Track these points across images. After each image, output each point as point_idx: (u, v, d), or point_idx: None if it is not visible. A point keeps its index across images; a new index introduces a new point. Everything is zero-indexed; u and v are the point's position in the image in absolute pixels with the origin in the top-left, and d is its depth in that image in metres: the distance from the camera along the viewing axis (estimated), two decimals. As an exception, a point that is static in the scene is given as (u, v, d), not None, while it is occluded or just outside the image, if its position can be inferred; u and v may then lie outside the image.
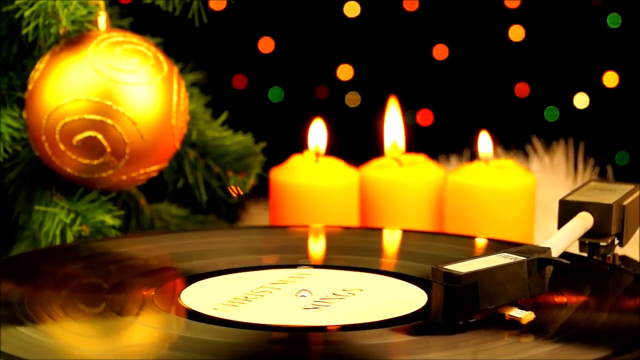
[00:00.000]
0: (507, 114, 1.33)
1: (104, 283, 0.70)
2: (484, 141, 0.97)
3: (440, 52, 1.33)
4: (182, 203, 1.01)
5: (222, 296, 0.68)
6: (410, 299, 0.68)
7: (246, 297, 0.68)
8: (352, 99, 1.30)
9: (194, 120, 0.97)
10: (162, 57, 0.88)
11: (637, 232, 0.80)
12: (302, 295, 0.68)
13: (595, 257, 0.75)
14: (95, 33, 0.87)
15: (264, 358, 0.59)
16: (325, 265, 0.76)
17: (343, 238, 0.85)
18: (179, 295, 0.68)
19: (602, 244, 0.75)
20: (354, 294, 0.69)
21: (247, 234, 0.86)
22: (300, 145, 1.00)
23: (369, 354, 0.59)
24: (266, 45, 1.31)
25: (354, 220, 0.96)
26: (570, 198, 0.76)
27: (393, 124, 1.00)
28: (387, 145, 1.00)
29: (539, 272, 0.64)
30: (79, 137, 0.85)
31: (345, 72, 1.32)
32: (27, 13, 0.85)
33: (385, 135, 1.00)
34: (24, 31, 0.86)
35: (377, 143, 1.02)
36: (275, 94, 1.31)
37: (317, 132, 0.98)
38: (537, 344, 0.60)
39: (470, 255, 0.66)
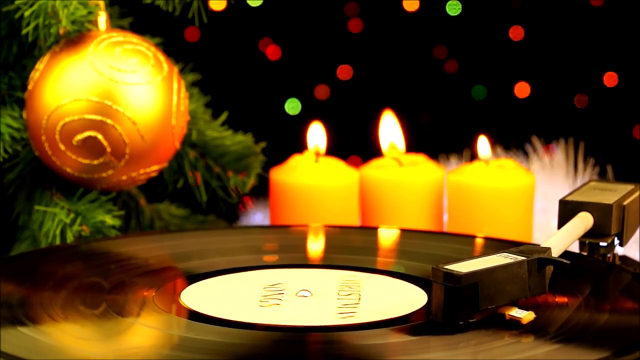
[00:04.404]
0: (507, 114, 1.33)
1: (104, 283, 0.70)
2: (483, 145, 0.97)
3: (441, 52, 1.33)
4: (182, 203, 1.01)
5: (223, 297, 0.68)
6: (410, 299, 0.68)
7: (247, 298, 0.68)
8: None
9: (194, 120, 0.97)
10: (162, 57, 0.88)
11: (637, 232, 0.80)
12: (302, 295, 0.68)
13: (595, 257, 0.75)
14: (95, 33, 0.87)
15: (264, 358, 0.59)
16: (325, 265, 0.76)
17: (343, 238, 0.85)
18: (179, 296, 0.68)
19: (602, 244, 0.75)
20: (353, 294, 0.69)
21: (247, 234, 0.86)
22: (300, 145, 1.00)
23: (369, 354, 0.59)
24: (266, 45, 1.31)
25: (354, 220, 0.96)
26: (570, 198, 0.76)
27: (389, 132, 1.00)
28: (384, 148, 1.00)
29: (539, 272, 0.64)
30: (79, 137, 0.85)
31: (345, 72, 1.32)
32: (27, 13, 0.85)
33: (381, 141, 1.00)
34: (24, 31, 0.86)
35: (378, 143, 1.02)
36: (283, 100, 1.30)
37: (316, 135, 0.98)
38: (537, 344, 0.60)
39: (471, 255, 0.66)
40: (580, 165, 1.16)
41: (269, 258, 0.78)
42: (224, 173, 0.98)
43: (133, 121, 0.85)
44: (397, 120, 1.00)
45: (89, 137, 0.85)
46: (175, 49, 0.97)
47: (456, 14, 1.30)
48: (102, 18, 0.89)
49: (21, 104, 0.90)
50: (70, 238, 0.85)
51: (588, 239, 0.75)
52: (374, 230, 0.89)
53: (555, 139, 1.20)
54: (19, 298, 0.66)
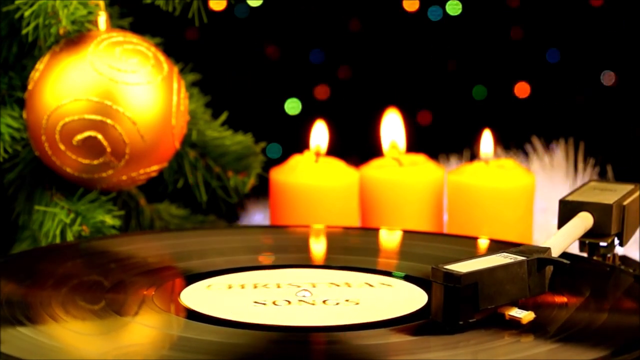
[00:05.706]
0: (507, 114, 1.33)
1: (104, 282, 0.70)
2: (487, 140, 0.97)
3: (440, 51, 1.33)
4: (182, 203, 1.01)
5: (222, 297, 0.68)
6: (410, 299, 0.68)
7: (246, 298, 0.68)
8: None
9: (194, 120, 0.97)
10: (162, 57, 0.88)
11: (637, 232, 0.80)
12: (302, 295, 0.68)
13: (595, 257, 0.75)
14: (95, 33, 0.87)
15: (264, 358, 0.59)
16: (325, 265, 0.76)
17: (343, 238, 0.85)
18: (178, 295, 0.68)
19: (602, 244, 0.75)
20: (354, 294, 0.69)
21: (247, 234, 0.86)
22: (300, 145, 1.00)
23: (369, 354, 0.59)
24: (266, 45, 1.31)
25: (354, 220, 0.96)
26: (570, 198, 0.76)
27: (391, 130, 1.00)
28: (385, 148, 1.00)
29: (539, 272, 0.64)
30: (79, 137, 0.85)
31: (345, 72, 1.32)
32: (27, 13, 0.85)
33: (382, 140, 1.00)
34: (24, 31, 0.86)
35: (378, 143, 1.02)
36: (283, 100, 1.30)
37: (319, 134, 0.98)
38: (537, 344, 0.60)
39: (470, 255, 0.66)
40: (580, 165, 1.16)
41: (269, 258, 0.78)
42: (224, 173, 0.98)
43: (133, 121, 0.85)
44: (401, 118, 1.00)
45: (89, 137, 0.85)
46: (175, 49, 0.97)
47: (456, 14, 1.30)
48: (102, 18, 0.89)
49: (21, 104, 0.90)
50: (70, 238, 0.85)
51: (588, 239, 0.75)
52: (374, 231, 0.89)
53: (555, 139, 1.20)
54: (19, 297, 0.66)
